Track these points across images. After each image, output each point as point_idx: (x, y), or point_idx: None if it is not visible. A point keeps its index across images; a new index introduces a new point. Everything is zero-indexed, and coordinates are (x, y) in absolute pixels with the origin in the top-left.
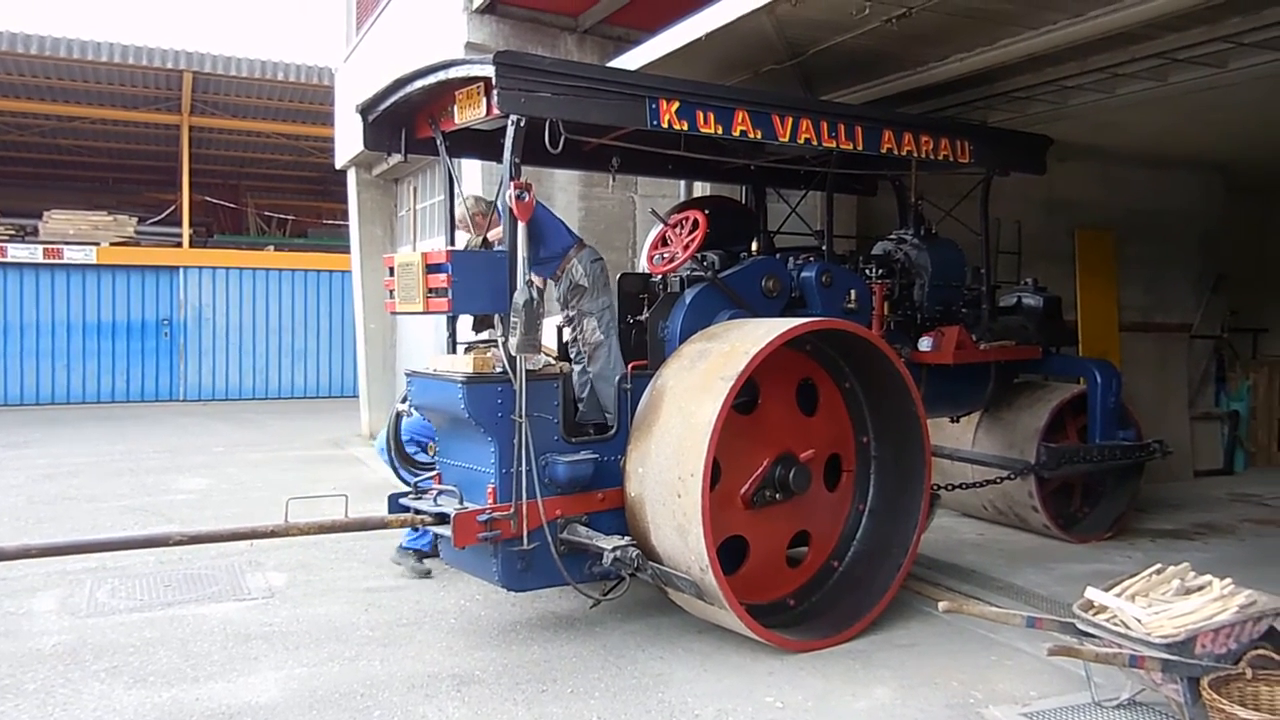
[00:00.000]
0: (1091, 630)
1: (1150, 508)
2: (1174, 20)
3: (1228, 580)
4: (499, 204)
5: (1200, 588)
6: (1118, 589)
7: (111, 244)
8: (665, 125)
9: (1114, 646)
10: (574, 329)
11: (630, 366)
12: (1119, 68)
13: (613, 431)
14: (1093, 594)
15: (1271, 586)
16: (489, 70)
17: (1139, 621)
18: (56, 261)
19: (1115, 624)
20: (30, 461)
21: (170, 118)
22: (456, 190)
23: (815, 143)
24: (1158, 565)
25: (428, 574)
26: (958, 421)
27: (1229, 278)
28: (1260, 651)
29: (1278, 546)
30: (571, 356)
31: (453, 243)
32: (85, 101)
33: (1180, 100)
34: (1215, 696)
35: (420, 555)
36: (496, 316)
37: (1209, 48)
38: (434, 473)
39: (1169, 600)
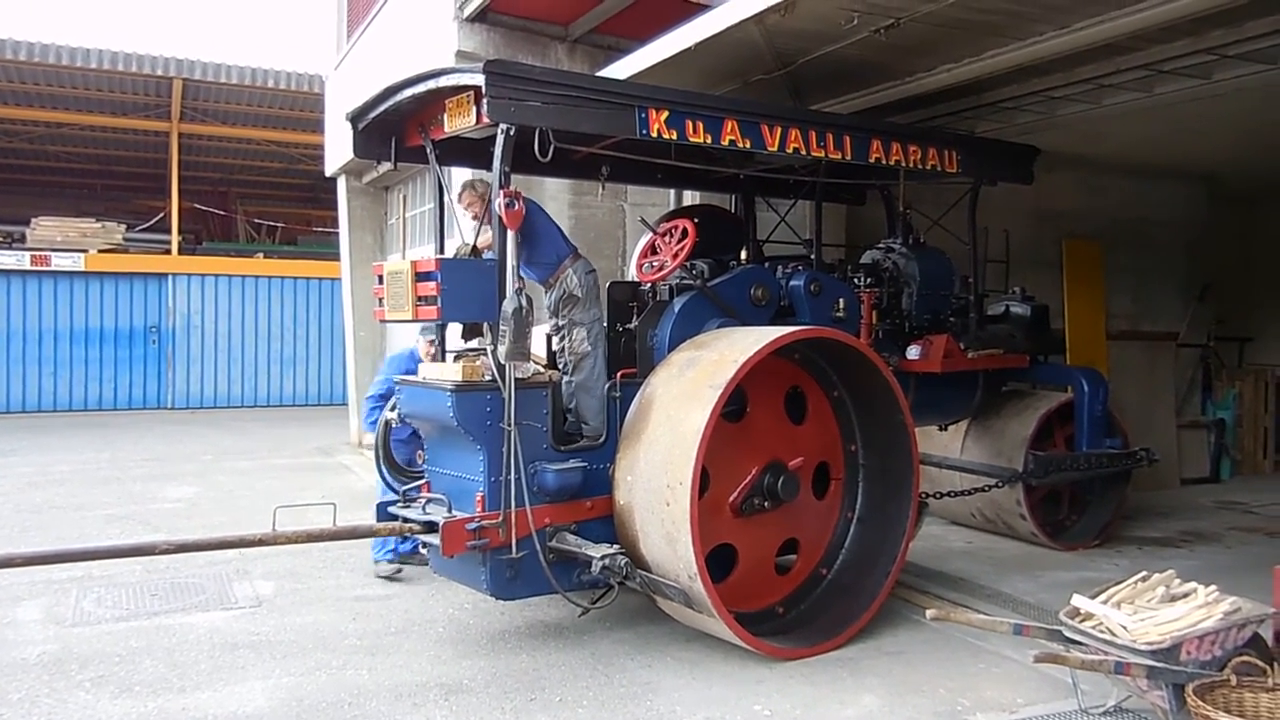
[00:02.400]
0: (1078, 637)
1: (1137, 515)
2: (1158, 33)
3: (1213, 587)
4: (493, 207)
5: (1185, 595)
6: (1104, 596)
7: (99, 251)
8: (655, 134)
9: (1100, 653)
10: (562, 338)
11: (619, 374)
12: (1105, 79)
13: (601, 440)
14: (1079, 601)
15: (1256, 594)
16: (479, 79)
17: (1125, 628)
18: (44, 269)
19: (1101, 631)
20: (16, 470)
21: (160, 124)
22: (446, 199)
23: (804, 152)
24: (1144, 572)
25: (398, 573)
26: (946, 429)
27: (1215, 286)
28: (1244, 658)
29: (1263, 554)
30: (559, 365)
31: (443, 250)
32: (74, 108)
33: (1166, 111)
34: (1200, 703)
35: (403, 560)
36: (486, 324)
37: (1193, 59)
38: (422, 481)
39: (1155, 607)
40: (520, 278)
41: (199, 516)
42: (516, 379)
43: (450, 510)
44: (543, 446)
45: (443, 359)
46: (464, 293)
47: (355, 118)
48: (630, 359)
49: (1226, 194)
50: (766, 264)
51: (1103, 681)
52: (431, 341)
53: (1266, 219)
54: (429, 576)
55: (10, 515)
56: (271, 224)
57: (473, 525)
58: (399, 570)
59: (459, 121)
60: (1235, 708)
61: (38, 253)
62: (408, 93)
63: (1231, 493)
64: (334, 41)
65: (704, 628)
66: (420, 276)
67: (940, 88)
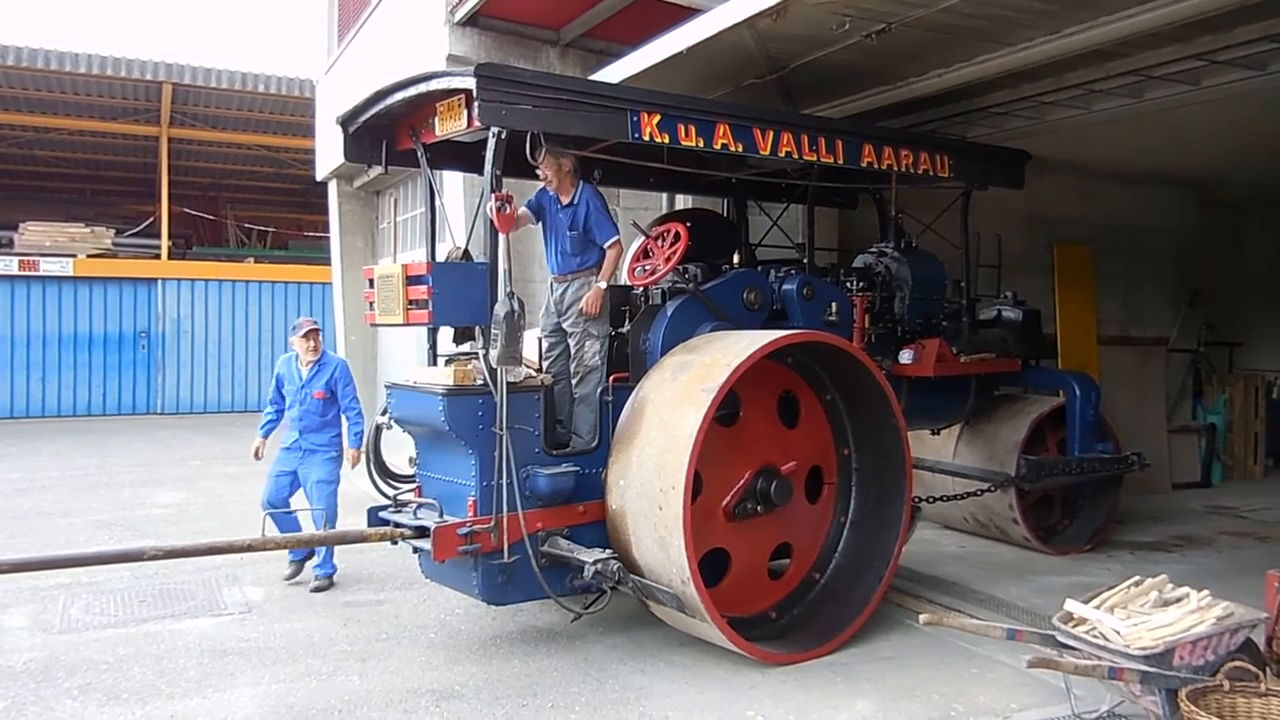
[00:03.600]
0: (1071, 642)
1: (1129, 520)
2: (1147, 38)
3: (1205, 592)
4: (483, 211)
5: (1178, 600)
6: (1097, 601)
7: (89, 256)
8: (647, 138)
9: (1093, 658)
10: (561, 346)
11: (611, 379)
12: (1095, 84)
13: (594, 444)
14: (1072, 606)
15: (1248, 598)
16: (470, 82)
17: (1118, 633)
18: (32, 274)
19: (1094, 636)
20: (3, 476)
21: (149, 129)
22: (438, 203)
23: (796, 156)
24: (1136, 577)
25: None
26: (938, 434)
27: (1205, 292)
28: (1237, 663)
29: (1254, 558)
30: (554, 371)
31: (434, 254)
32: (63, 112)
33: (1155, 117)
34: (1193, 708)
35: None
36: (477, 328)
37: (1182, 65)
38: (414, 485)
39: (1147, 612)
40: (512, 280)
41: (188, 522)
42: (508, 383)
43: (441, 515)
44: (535, 451)
45: (434, 363)
46: (455, 296)
47: (346, 121)
48: (622, 363)
49: (1216, 200)
50: (759, 268)
51: (1096, 686)
52: (307, 334)
53: (1256, 225)
54: (421, 581)
55: None
56: (262, 228)
57: (464, 530)
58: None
59: (450, 125)
60: (1228, 713)
61: (26, 257)
62: (398, 96)
63: (1222, 497)
64: (324, 46)
65: (697, 633)
66: (411, 280)
67: (932, 92)
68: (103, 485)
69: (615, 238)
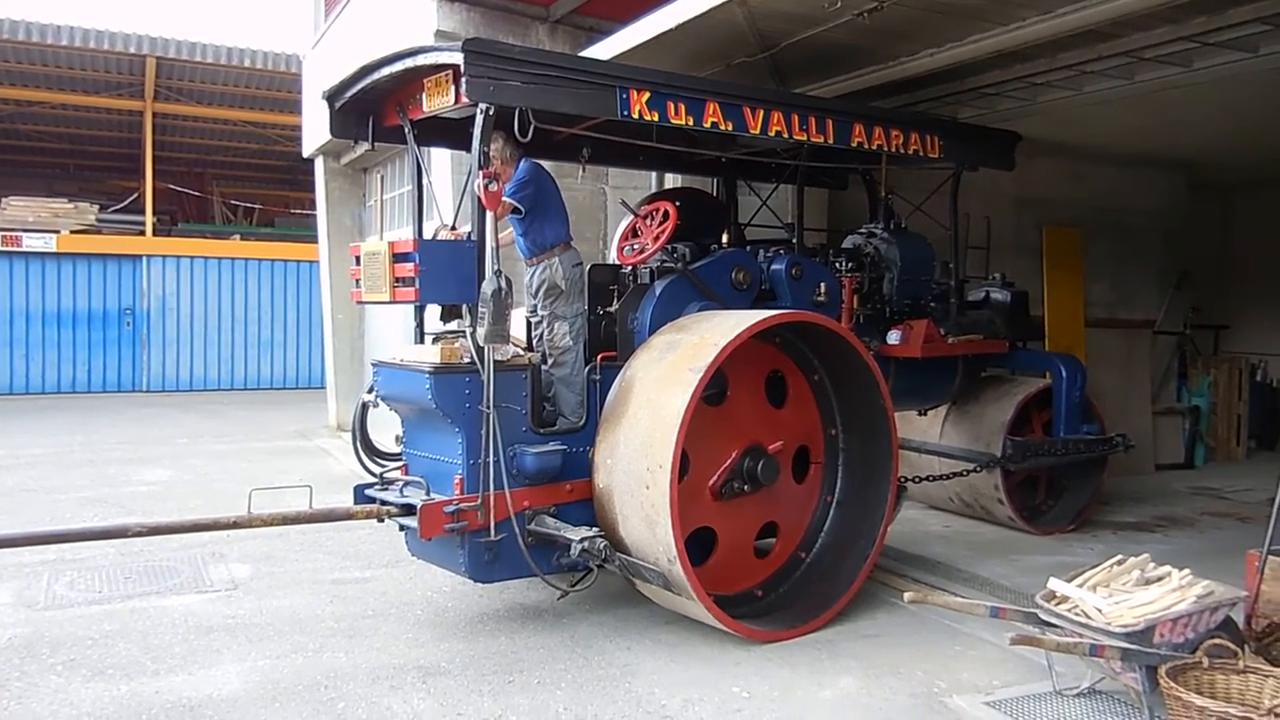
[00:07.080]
0: (1053, 620)
1: (1112, 500)
2: (1140, 19)
3: (1186, 571)
4: (472, 188)
5: (1160, 578)
6: (1079, 580)
7: (72, 232)
8: (636, 116)
9: (1075, 636)
10: (543, 328)
11: (600, 358)
12: (1087, 65)
13: (581, 423)
14: (1055, 584)
15: (1229, 578)
16: (457, 57)
17: (1099, 611)
18: (15, 249)
19: (1076, 614)
20: None
21: (133, 103)
22: (425, 180)
23: (786, 135)
24: (1119, 556)
25: None
26: (925, 414)
27: (1192, 275)
28: (1217, 641)
29: (1235, 538)
30: (539, 350)
31: (421, 232)
32: (45, 86)
33: (1147, 99)
34: (1173, 685)
35: None
36: (465, 306)
37: (1175, 47)
38: (401, 464)
39: (1129, 591)
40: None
41: (174, 500)
42: (496, 361)
43: (428, 493)
44: (522, 429)
45: (421, 341)
46: (442, 274)
47: (332, 96)
48: (610, 342)
49: (1204, 183)
50: (748, 248)
51: (1077, 664)
52: None
53: (1244, 208)
54: (408, 559)
55: None
56: (248, 205)
57: (451, 508)
58: None
59: (437, 101)
60: (1207, 689)
61: (8, 233)
62: (385, 71)
63: (1205, 479)
64: (311, 20)
65: (683, 610)
66: (398, 258)
67: (923, 72)
68: (88, 462)
69: (503, 201)
